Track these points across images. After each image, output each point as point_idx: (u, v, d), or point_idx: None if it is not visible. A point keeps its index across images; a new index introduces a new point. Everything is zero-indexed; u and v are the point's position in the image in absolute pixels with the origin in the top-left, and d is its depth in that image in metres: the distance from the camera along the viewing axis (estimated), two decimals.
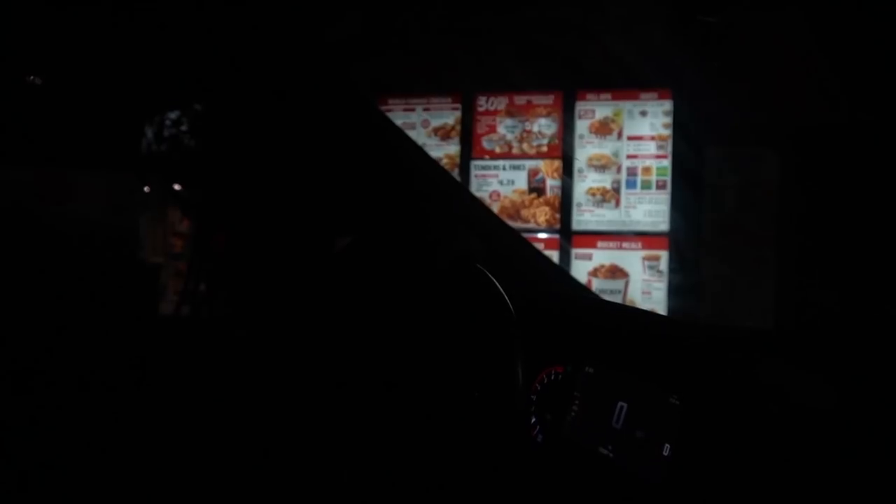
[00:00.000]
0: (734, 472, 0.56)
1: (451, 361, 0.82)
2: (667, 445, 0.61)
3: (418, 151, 1.19)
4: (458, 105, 2.97)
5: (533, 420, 0.79)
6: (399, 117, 3.03)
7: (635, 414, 0.68)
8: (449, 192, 1.03)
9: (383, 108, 3.03)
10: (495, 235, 0.92)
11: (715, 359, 0.63)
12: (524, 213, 2.90)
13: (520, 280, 0.85)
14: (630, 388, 0.69)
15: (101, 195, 1.86)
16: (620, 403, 0.70)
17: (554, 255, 2.86)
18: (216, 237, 3.25)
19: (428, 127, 2.99)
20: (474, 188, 2.95)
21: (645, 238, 2.79)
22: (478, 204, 1.08)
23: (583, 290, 1.13)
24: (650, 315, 0.92)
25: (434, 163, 1.21)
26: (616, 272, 2.82)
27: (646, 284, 2.79)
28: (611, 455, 0.69)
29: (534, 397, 0.81)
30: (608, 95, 2.84)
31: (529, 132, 2.90)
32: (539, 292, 0.85)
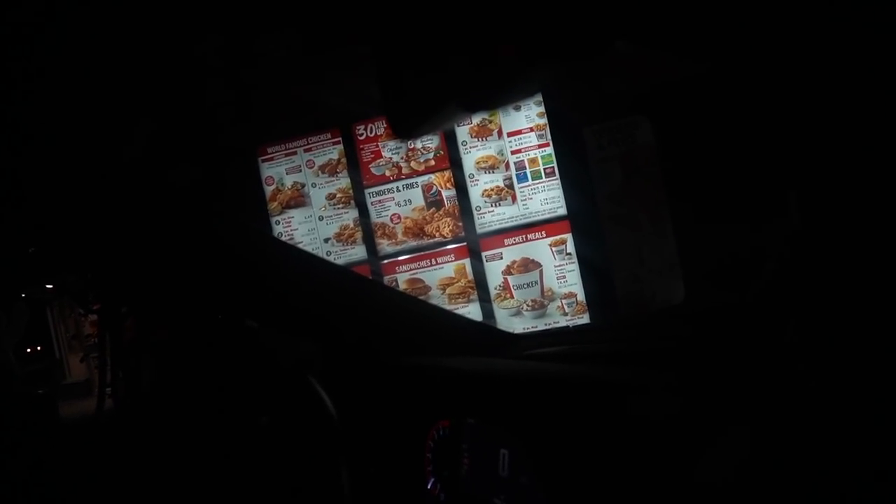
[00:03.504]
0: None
1: (281, 467, 0.82)
2: (540, 493, 0.63)
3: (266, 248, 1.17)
4: (339, 138, 2.96)
5: (432, 480, 0.80)
6: (283, 163, 2.99)
7: (516, 460, 0.70)
8: (299, 289, 1.01)
9: (264, 158, 2.99)
10: (377, 312, 0.92)
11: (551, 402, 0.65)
12: (428, 228, 2.92)
13: (392, 345, 0.86)
14: (506, 436, 0.71)
15: None
16: (503, 451, 0.72)
17: (465, 263, 2.90)
18: (126, 324, 3.10)
19: (314, 167, 2.96)
20: (374, 216, 2.95)
21: (547, 226, 2.87)
22: (351, 283, 1.08)
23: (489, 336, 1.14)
24: (518, 366, 0.93)
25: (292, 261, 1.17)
26: (529, 265, 2.88)
27: (559, 270, 2.86)
28: None
29: (429, 455, 0.82)
30: None
31: (414, 150, 2.92)
32: (415, 355, 0.86)
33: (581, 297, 2.85)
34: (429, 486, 0.76)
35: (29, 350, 6.56)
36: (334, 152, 2.96)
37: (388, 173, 2.93)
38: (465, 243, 2.90)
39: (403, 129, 0.68)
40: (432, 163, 2.91)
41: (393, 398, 0.78)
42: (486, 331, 1.45)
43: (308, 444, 0.75)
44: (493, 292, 2.89)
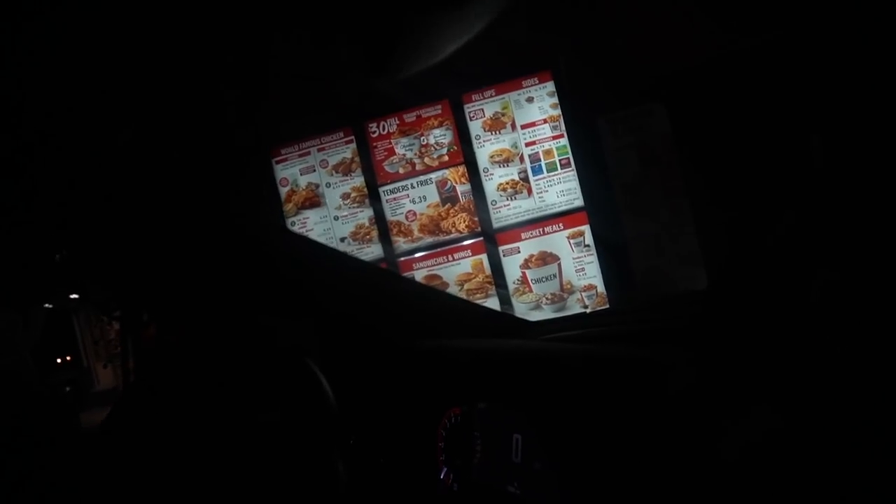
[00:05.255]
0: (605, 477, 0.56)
1: (272, 454, 0.80)
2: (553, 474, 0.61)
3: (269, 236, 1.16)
4: (352, 137, 2.95)
5: (445, 470, 0.78)
6: (297, 163, 2.99)
7: (529, 445, 0.67)
8: (306, 274, 1.00)
9: (278, 160, 2.99)
10: (378, 298, 0.90)
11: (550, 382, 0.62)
12: (444, 224, 2.90)
13: (403, 331, 0.84)
14: (519, 419, 0.69)
15: None
16: (516, 436, 0.69)
17: (483, 258, 2.87)
18: (145, 331, 3.13)
19: (327, 166, 2.96)
20: (389, 214, 2.93)
21: (564, 218, 2.83)
22: (360, 269, 1.06)
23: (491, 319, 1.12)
24: (521, 345, 0.91)
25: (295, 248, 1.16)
26: (547, 258, 2.85)
27: (577, 262, 2.82)
28: (518, 492, 0.68)
29: (441, 444, 0.79)
30: (492, 92, 2.87)
31: (427, 146, 2.90)
32: (426, 340, 0.84)
33: (601, 288, 2.80)
34: (441, 476, 0.74)
35: (59, 360, 6.66)
36: (347, 151, 2.95)
37: (401, 170, 2.92)
38: (481, 238, 2.88)
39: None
40: (446, 158, 2.89)
41: (404, 385, 0.77)
42: (501, 317, 1.43)
43: (305, 434, 0.74)
44: (511, 287, 2.86)
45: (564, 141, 2.82)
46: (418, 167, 2.91)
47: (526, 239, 2.85)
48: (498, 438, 0.69)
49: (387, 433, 0.79)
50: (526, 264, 2.85)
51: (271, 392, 0.77)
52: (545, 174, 2.82)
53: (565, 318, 2.74)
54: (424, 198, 2.90)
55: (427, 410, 0.77)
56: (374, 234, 2.94)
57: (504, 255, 2.86)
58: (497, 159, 2.86)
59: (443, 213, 2.89)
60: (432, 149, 2.90)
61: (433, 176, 2.90)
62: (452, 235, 2.89)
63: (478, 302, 2.88)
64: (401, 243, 2.93)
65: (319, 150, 2.96)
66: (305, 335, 0.80)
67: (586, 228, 2.81)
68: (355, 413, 0.76)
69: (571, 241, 2.82)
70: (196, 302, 1.36)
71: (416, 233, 2.91)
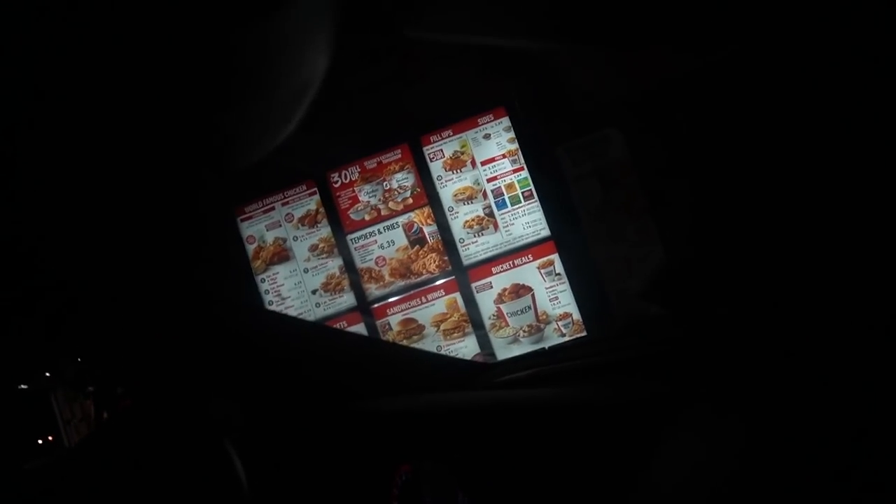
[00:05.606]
0: None
1: None
2: None
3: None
4: (314, 189, 2.96)
5: None
6: (262, 220, 2.99)
7: (472, 499, 0.66)
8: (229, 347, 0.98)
9: (243, 217, 2.99)
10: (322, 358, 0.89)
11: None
12: (414, 266, 2.90)
13: (353, 385, 0.83)
14: (460, 476, 0.68)
15: None
16: (460, 492, 0.68)
17: (456, 296, 2.87)
18: (121, 404, 3.07)
19: (293, 220, 2.96)
20: (358, 261, 2.92)
21: (533, 249, 2.84)
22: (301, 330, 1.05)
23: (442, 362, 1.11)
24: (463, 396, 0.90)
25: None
26: (520, 290, 2.85)
27: (550, 292, 2.83)
28: None
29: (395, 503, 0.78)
30: (449, 132, 2.90)
31: (391, 190, 2.92)
32: (372, 398, 0.83)
33: (576, 315, 2.80)
34: None
35: (40, 441, 6.48)
36: (312, 203, 2.96)
37: (367, 217, 2.92)
38: (453, 277, 2.88)
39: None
40: (410, 201, 2.91)
41: (352, 446, 0.75)
42: (455, 363, 1.42)
43: None
44: (487, 323, 2.85)
45: (525, 173, 2.85)
46: (384, 212, 2.92)
47: (497, 273, 2.85)
48: (445, 496, 0.68)
49: (339, 498, 0.77)
50: (500, 298, 2.84)
51: (184, 476, 0.75)
52: (509, 207, 2.84)
53: (519, 357, 2.74)
54: (392, 242, 2.90)
55: (377, 470, 0.76)
56: (346, 282, 2.93)
57: (477, 292, 2.86)
58: (461, 197, 2.88)
59: (412, 256, 2.89)
60: (396, 193, 2.91)
61: (399, 220, 2.91)
62: (424, 277, 2.88)
63: (455, 340, 2.86)
64: (373, 289, 2.92)
65: (283, 205, 2.97)
66: (232, 411, 0.78)
67: (555, 257, 2.83)
68: (292, 487, 0.74)
69: (542, 271, 2.83)
70: (152, 375, 1.33)
71: (387, 277, 2.90)
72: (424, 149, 2.90)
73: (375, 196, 2.91)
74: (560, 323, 2.80)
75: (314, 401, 0.74)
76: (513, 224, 2.84)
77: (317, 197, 2.95)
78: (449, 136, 2.89)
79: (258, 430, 0.74)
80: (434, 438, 0.72)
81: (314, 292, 2.94)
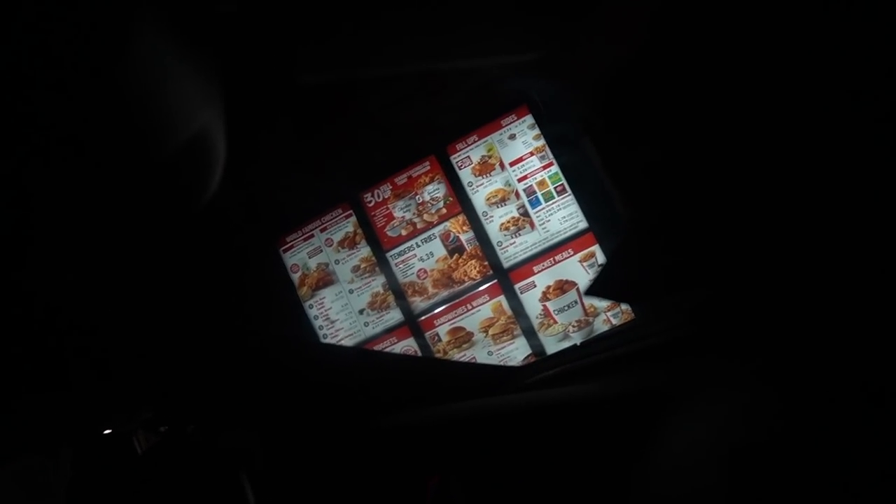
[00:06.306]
0: None
1: None
2: None
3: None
4: (350, 211, 3.02)
5: None
6: (304, 248, 3.06)
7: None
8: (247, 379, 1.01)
9: (285, 248, 3.07)
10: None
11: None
12: (456, 275, 2.91)
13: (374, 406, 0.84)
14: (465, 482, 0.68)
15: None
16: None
17: (501, 300, 2.86)
18: (191, 442, 3.16)
19: (332, 244, 3.02)
20: (400, 277, 2.96)
21: (572, 243, 2.81)
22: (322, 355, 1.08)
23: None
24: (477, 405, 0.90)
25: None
26: (564, 286, 2.82)
27: None
28: None
29: None
30: (475, 137, 2.91)
31: (423, 203, 2.94)
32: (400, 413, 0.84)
33: (624, 304, 2.75)
34: None
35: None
36: (349, 225, 3.01)
37: (403, 232, 2.96)
38: (495, 280, 2.87)
39: None
40: (444, 211, 2.92)
41: (382, 462, 0.76)
42: (483, 370, 1.41)
43: None
44: (535, 322, 2.83)
45: (555, 168, 2.83)
46: (419, 225, 2.95)
47: (539, 272, 2.83)
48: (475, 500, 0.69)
49: None
50: (545, 297, 2.82)
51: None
52: (543, 204, 2.83)
53: (550, 356, 2.71)
54: (431, 254, 2.93)
55: (409, 482, 0.77)
56: (391, 299, 2.96)
57: (521, 293, 2.85)
58: (493, 200, 2.88)
59: (452, 265, 2.90)
60: (429, 205, 2.94)
61: (435, 231, 2.93)
62: (467, 284, 2.89)
63: (505, 344, 2.85)
64: (418, 302, 2.94)
65: (322, 230, 3.03)
66: (250, 442, 0.80)
67: (596, 248, 2.79)
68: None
69: (584, 264, 2.79)
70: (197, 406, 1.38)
71: (430, 289, 2.92)
72: (452, 157, 2.92)
73: (409, 210, 2.94)
74: (609, 314, 2.76)
75: (337, 422, 0.75)
76: (549, 220, 2.82)
77: (353, 218, 3.00)
78: (475, 141, 2.90)
79: (280, 458, 0.76)
80: (453, 447, 0.73)
81: (361, 312, 2.99)
